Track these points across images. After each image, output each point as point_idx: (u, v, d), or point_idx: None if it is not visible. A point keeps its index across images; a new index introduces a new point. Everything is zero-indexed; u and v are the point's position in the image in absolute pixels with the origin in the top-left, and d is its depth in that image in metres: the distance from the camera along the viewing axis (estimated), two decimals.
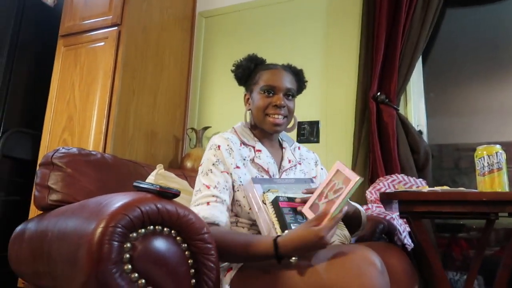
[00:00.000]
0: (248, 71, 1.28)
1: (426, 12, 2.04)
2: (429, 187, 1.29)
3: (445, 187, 1.10)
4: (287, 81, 1.23)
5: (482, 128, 2.12)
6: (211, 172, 1.12)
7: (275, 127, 1.20)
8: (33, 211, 2.01)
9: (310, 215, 0.98)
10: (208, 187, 1.10)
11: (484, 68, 2.15)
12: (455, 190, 1.05)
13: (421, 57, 2.15)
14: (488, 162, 1.09)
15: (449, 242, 2.04)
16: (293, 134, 2.27)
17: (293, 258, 0.91)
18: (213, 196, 1.08)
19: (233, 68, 1.31)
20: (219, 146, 1.15)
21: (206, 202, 1.07)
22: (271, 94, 1.21)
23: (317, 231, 0.87)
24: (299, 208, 1.02)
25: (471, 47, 2.21)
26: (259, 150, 1.22)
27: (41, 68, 2.39)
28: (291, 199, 1.05)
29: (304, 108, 2.28)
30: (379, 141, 1.99)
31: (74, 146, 1.96)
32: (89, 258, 0.76)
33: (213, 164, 1.13)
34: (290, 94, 1.24)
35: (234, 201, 1.14)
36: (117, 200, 0.83)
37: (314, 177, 1.30)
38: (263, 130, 1.25)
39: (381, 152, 1.96)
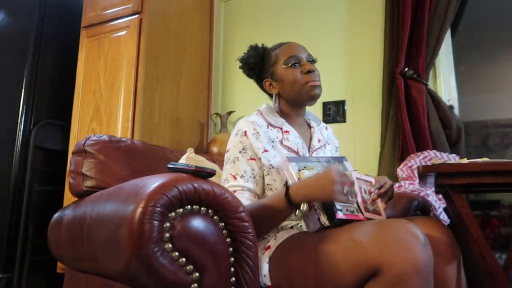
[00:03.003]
0: (260, 57, 1.26)
1: None
2: None
3: (486, 159, 1.06)
4: (304, 49, 1.24)
5: None
6: (238, 160, 1.12)
7: (316, 90, 1.18)
8: (67, 199, 2.06)
9: (373, 216, 1.03)
10: (235, 177, 1.11)
11: None
12: (497, 160, 1.01)
13: (450, 29, 2.07)
14: None
15: (481, 221, 2.00)
16: (319, 114, 2.24)
17: (304, 206, 0.95)
18: (239, 186, 1.10)
19: (242, 64, 1.29)
20: (245, 132, 1.13)
21: (232, 191, 1.09)
22: (297, 65, 1.19)
23: (330, 172, 0.94)
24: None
25: (503, 16, 2.10)
26: (287, 131, 1.20)
27: (66, 60, 2.42)
28: None
29: (329, 87, 2.24)
30: (408, 117, 1.93)
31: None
32: (130, 238, 0.77)
33: (240, 152, 1.12)
34: (312, 60, 1.23)
35: (265, 186, 1.14)
36: (155, 181, 0.83)
37: None
38: (293, 105, 1.23)
39: (411, 129, 1.92)
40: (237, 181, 1.10)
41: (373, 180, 1.12)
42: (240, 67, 1.30)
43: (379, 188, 1.08)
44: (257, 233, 1.00)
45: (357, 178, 1.10)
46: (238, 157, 1.12)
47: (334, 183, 0.92)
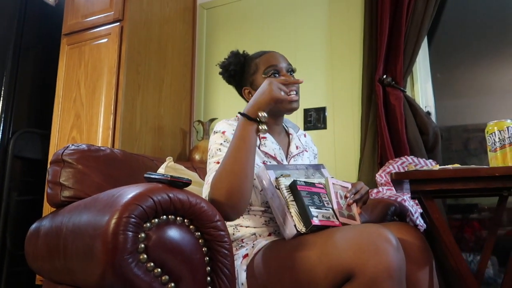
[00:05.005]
0: (240, 65, 1.27)
1: None
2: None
3: (457, 165, 1.09)
4: (285, 59, 1.25)
5: (492, 108, 2.09)
6: (220, 150, 1.10)
7: (293, 104, 1.18)
8: (46, 209, 2.03)
9: (347, 221, 1.05)
10: (218, 162, 1.08)
11: (492, 45, 2.11)
12: (466, 167, 1.04)
13: (426, 37, 2.13)
14: (499, 138, 1.08)
15: (461, 224, 2.04)
16: (300, 121, 2.26)
17: (262, 113, 0.99)
18: None
19: (222, 70, 1.29)
20: (224, 132, 1.14)
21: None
22: (276, 76, 1.20)
23: (267, 81, 1.02)
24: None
25: (477, 24, 2.17)
26: (264, 137, 1.21)
27: (46, 68, 2.40)
28: (308, 184, 1.06)
29: (310, 94, 2.27)
30: (387, 124, 1.97)
31: (83, 143, 1.97)
32: (104, 249, 0.77)
33: (221, 144, 1.11)
34: (292, 70, 1.24)
35: None
36: (130, 191, 0.83)
37: None
38: (272, 116, 1.24)
39: (389, 135, 1.95)
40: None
41: (349, 186, 1.14)
42: (220, 73, 1.31)
43: (355, 193, 1.10)
44: (240, 181, 0.97)
45: (333, 184, 1.12)
46: (220, 148, 1.10)
47: (272, 84, 1.00)
